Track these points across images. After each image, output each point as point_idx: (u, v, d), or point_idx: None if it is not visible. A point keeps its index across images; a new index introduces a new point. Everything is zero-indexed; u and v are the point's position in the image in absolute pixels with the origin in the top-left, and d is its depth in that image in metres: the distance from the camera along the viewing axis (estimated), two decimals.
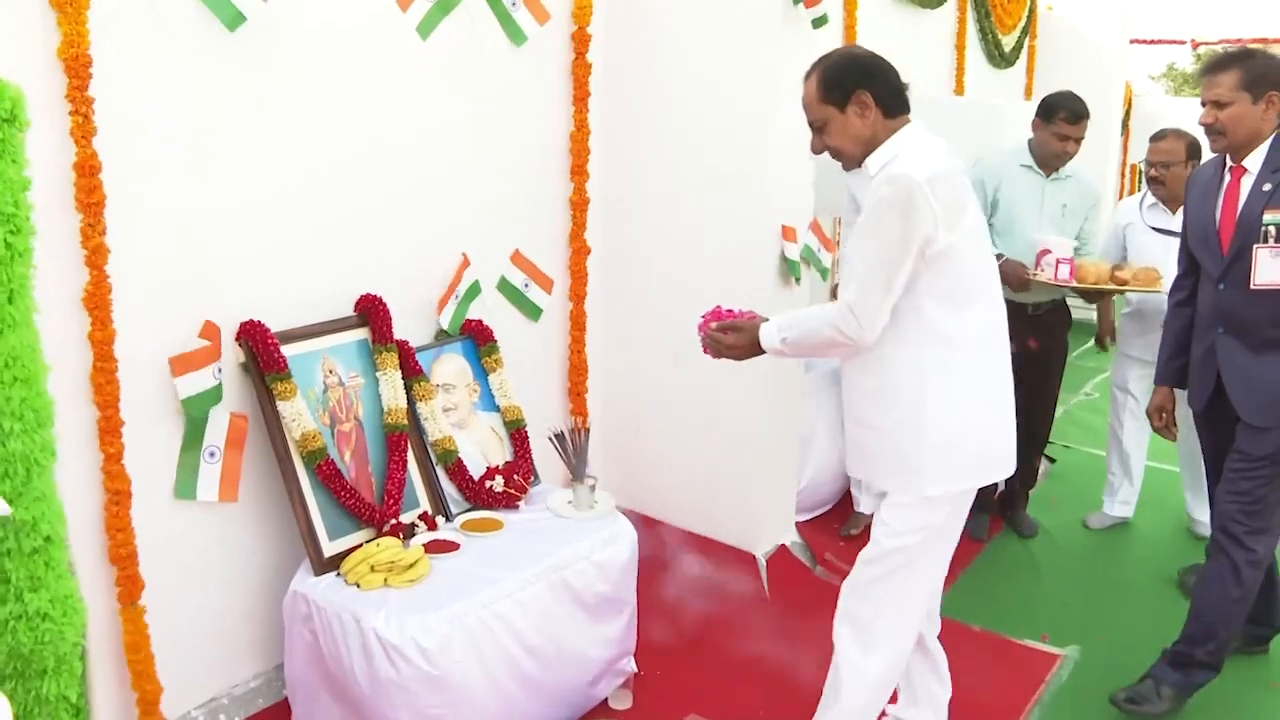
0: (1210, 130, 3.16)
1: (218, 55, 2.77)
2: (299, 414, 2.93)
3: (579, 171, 3.90)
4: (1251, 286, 3.06)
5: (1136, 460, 4.81)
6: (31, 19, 2.38)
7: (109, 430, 2.63)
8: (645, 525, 3.91)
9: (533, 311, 3.85)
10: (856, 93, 2.49)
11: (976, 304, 2.54)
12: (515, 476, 3.41)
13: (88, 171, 2.48)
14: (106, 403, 2.61)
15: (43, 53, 2.40)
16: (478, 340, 3.56)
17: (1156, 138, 4.38)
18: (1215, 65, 3.17)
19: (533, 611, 2.93)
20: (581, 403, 4.09)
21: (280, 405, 2.92)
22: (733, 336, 2.76)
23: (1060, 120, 4.18)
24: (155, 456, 2.80)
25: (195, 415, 2.82)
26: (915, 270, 2.44)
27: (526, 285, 3.80)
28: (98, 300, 2.55)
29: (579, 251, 3.98)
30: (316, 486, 2.97)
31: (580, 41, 3.80)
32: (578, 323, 4.04)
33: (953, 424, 2.54)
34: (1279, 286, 3.03)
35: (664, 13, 3.81)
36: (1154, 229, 4.38)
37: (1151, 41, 9.28)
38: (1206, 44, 10.66)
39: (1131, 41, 7.92)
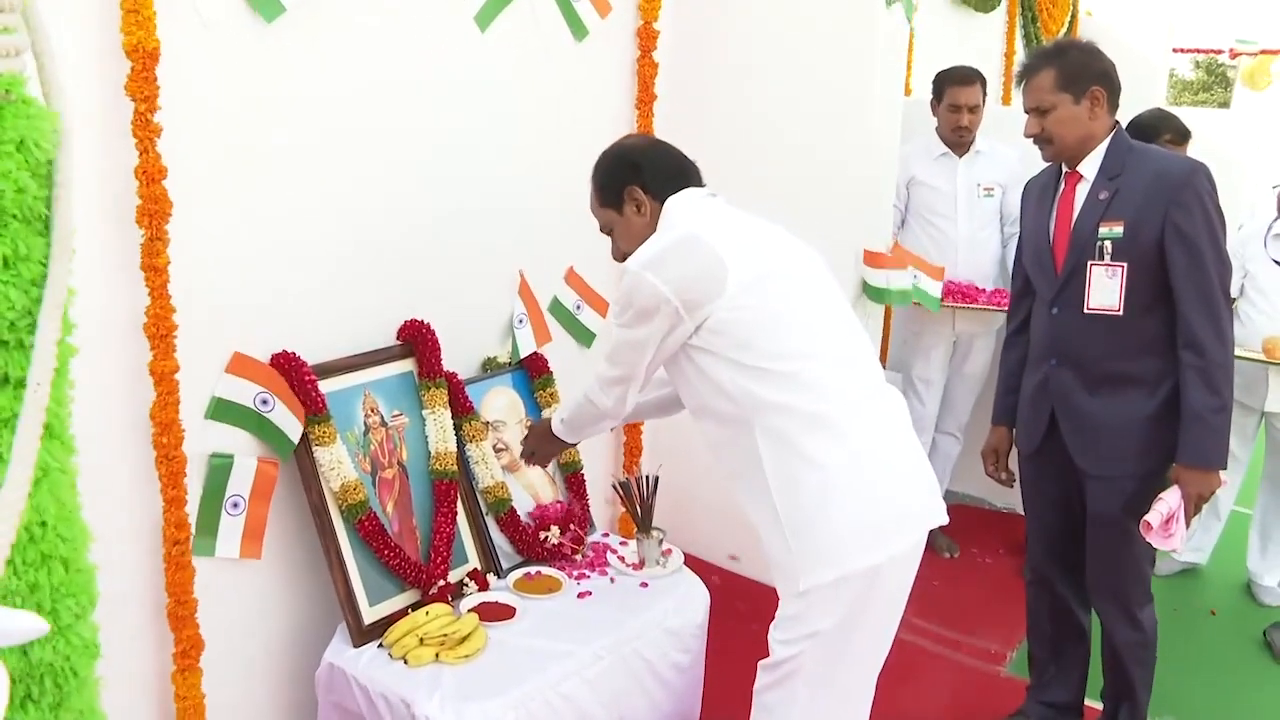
0: (1038, 141, 2.76)
1: (249, 54, 2.40)
2: (338, 462, 2.56)
3: None
4: (1085, 310, 2.69)
5: (1221, 502, 4.45)
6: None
7: (172, 474, 2.33)
8: (703, 572, 3.54)
9: (585, 336, 3.48)
10: (628, 190, 2.26)
11: (797, 358, 2.10)
12: (571, 527, 3.04)
13: (151, 178, 2.18)
14: (170, 444, 2.32)
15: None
16: (531, 371, 3.18)
17: None
18: (1028, 68, 2.76)
19: (602, 690, 2.60)
20: (636, 435, 3.72)
21: (317, 451, 2.54)
22: (528, 440, 2.69)
23: None
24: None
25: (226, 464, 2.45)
26: (680, 349, 2.17)
27: (579, 307, 3.43)
28: (159, 326, 2.26)
29: None
30: (356, 544, 2.60)
31: (646, 38, 3.42)
32: None
33: (803, 503, 2.09)
34: (1113, 312, 2.66)
35: (739, 7, 3.44)
36: (1276, 262, 4.02)
37: (1191, 50, 8.99)
38: (1245, 53, 10.39)
39: (1174, 50, 7.59)
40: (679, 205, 2.23)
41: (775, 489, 2.10)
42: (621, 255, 2.32)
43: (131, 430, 2.30)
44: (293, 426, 2.51)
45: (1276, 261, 4.01)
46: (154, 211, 2.19)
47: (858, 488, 2.10)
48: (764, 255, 2.17)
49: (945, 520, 2.26)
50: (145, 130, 2.16)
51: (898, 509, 2.16)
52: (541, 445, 2.64)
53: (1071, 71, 2.66)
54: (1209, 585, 4.45)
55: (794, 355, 2.10)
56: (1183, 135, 3.91)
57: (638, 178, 2.25)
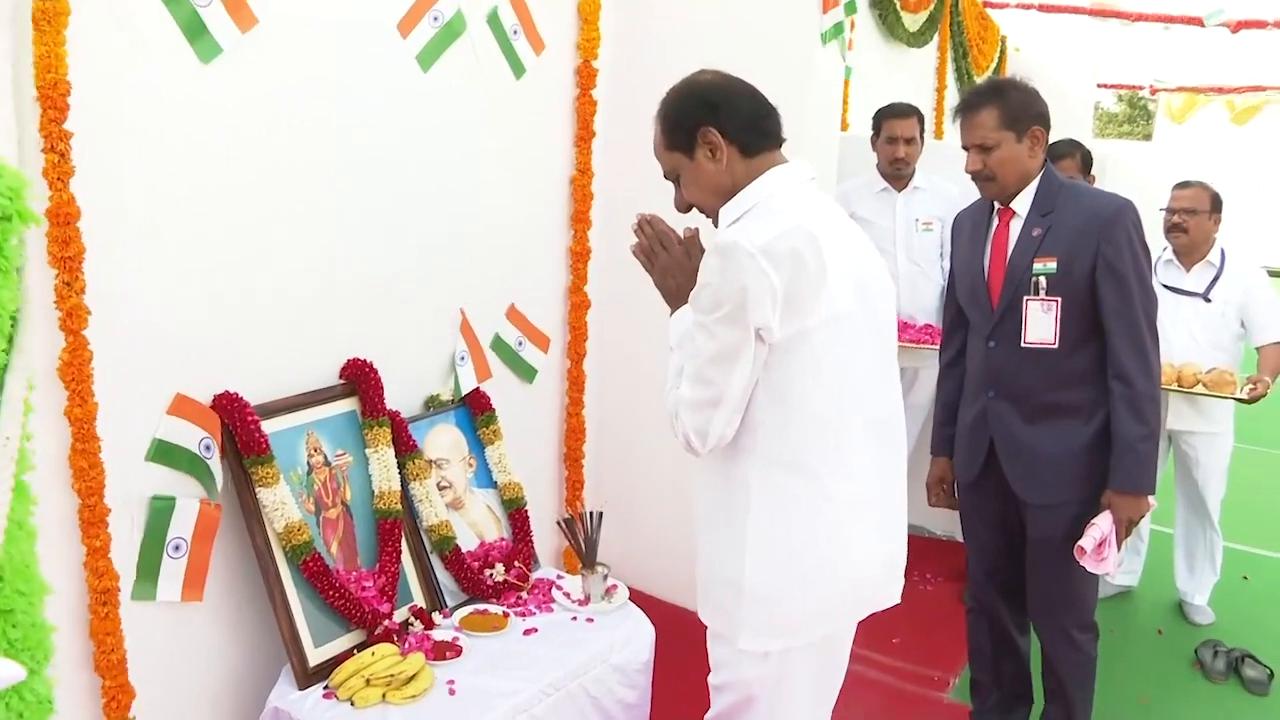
0: (979, 177, 2.79)
1: (188, 92, 2.40)
2: (282, 502, 2.54)
3: (580, 219, 3.55)
4: (1023, 344, 2.75)
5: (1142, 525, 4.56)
6: None
7: (92, 521, 2.25)
8: (647, 606, 3.54)
9: (527, 373, 3.49)
10: (702, 131, 1.98)
11: (836, 416, 1.95)
12: (516, 563, 3.03)
13: (63, 220, 2.11)
14: (89, 490, 2.23)
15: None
16: (474, 409, 3.18)
17: (1180, 186, 4.18)
18: (970, 104, 2.77)
19: None
20: (578, 469, 3.72)
21: (261, 493, 2.53)
22: (682, 261, 2.12)
23: None
24: (116, 551, 2.36)
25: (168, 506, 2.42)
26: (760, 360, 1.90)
27: (520, 344, 3.44)
28: (76, 370, 2.17)
29: (579, 306, 3.63)
30: (300, 584, 2.58)
31: (585, 76, 3.46)
32: (576, 383, 3.68)
33: (775, 568, 1.96)
34: (1049, 345, 2.72)
35: (677, 47, 3.48)
36: (1165, 287, 4.15)
37: (1115, 86, 9.26)
38: (1164, 89, 10.72)
39: (1098, 85, 7.81)
40: (783, 183, 1.99)
41: (753, 544, 1.97)
42: (686, 206, 2.10)
43: (52, 477, 2.19)
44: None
45: (1166, 287, 4.13)
46: (67, 255, 2.14)
47: (835, 568, 1.99)
48: (854, 283, 1.95)
49: (898, 601, 2.16)
50: (57, 170, 2.10)
51: (866, 588, 2.08)
52: (674, 274, 2.13)
53: (1014, 111, 2.71)
54: (1142, 606, 4.54)
55: (835, 414, 1.94)
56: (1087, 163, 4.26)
57: (714, 118, 1.98)
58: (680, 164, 2.04)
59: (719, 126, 1.98)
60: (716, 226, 2.05)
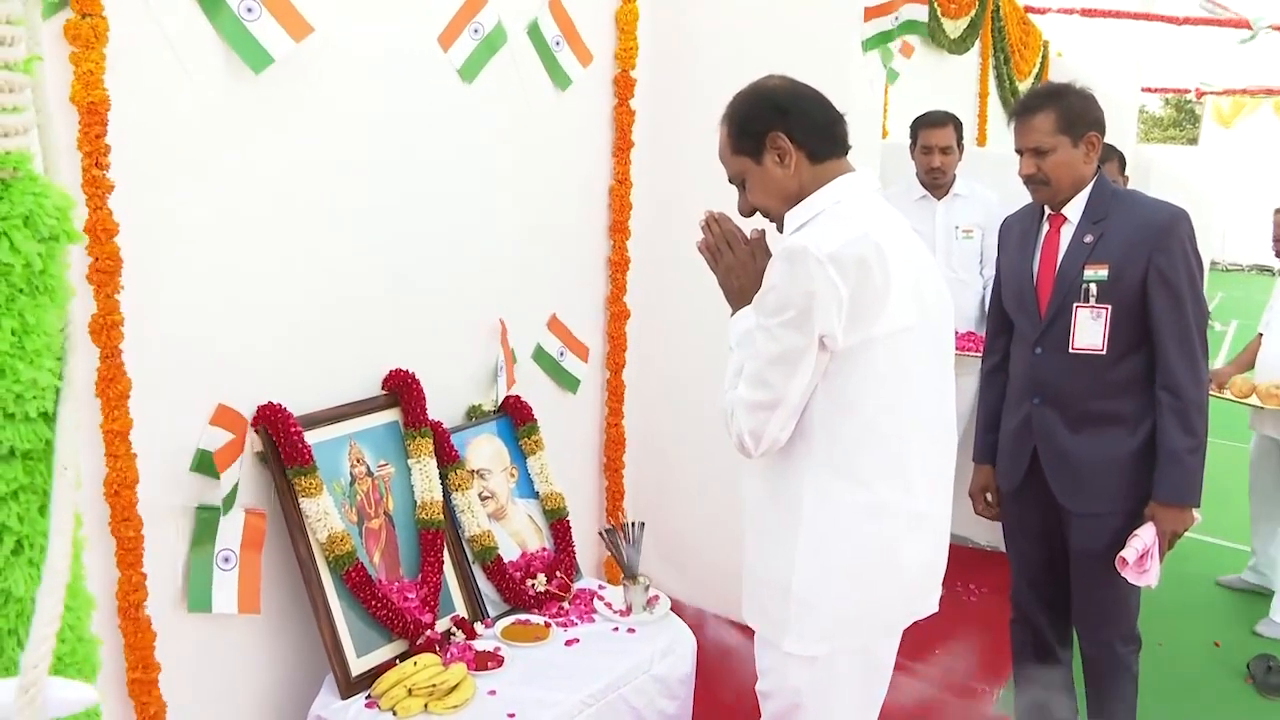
0: (1032, 181, 2.73)
1: (237, 103, 2.42)
2: (325, 513, 2.56)
3: (619, 229, 3.54)
4: (1070, 350, 2.71)
5: None
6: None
7: (126, 535, 2.28)
8: (689, 617, 3.53)
9: (569, 383, 3.49)
10: (770, 136, 1.97)
11: (895, 429, 1.95)
12: (558, 574, 3.04)
13: (102, 236, 2.14)
14: (123, 504, 2.26)
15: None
16: (515, 419, 3.19)
17: None
18: (1027, 107, 2.72)
19: None
20: (618, 479, 3.72)
21: (304, 503, 2.54)
22: (747, 261, 2.10)
23: None
24: (160, 561, 2.40)
25: (213, 516, 2.44)
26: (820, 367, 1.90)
27: (562, 354, 3.44)
28: (112, 386, 2.20)
29: (618, 316, 3.63)
30: (343, 594, 2.59)
31: (623, 86, 3.47)
32: (616, 393, 3.68)
33: (822, 573, 1.97)
34: (1097, 351, 2.69)
35: (715, 56, 3.48)
36: None
37: (1159, 90, 9.17)
38: (1211, 93, 10.59)
39: (1143, 89, 7.72)
40: (851, 192, 1.98)
41: (803, 550, 1.97)
42: (750, 210, 2.08)
43: (86, 492, 2.24)
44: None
45: None
46: (105, 269, 2.16)
47: (883, 576, 2.01)
48: (916, 299, 1.95)
49: (935, 610, 2.17)
50: (95, 186, 2.13)
51: (910, 597, 2.10)
52: (740, 273, 2.11)
53: (1072, 115, 2.67)
54: (1196, 619, 4.47)
55: (891, 424, 1.94)
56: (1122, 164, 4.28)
57: (783, 123, 1.96)
58: (747, 168, 2.03)
59: (788, 131, 1.97)
60: (781, 232, 2.04)
